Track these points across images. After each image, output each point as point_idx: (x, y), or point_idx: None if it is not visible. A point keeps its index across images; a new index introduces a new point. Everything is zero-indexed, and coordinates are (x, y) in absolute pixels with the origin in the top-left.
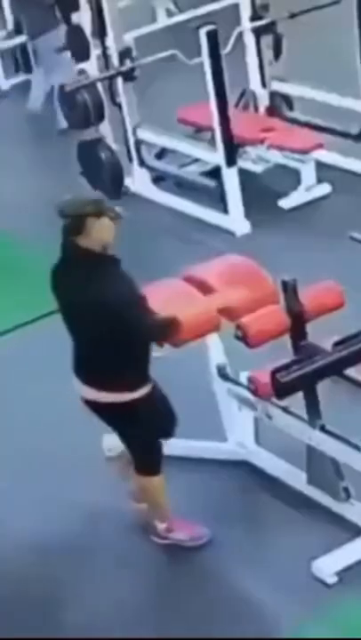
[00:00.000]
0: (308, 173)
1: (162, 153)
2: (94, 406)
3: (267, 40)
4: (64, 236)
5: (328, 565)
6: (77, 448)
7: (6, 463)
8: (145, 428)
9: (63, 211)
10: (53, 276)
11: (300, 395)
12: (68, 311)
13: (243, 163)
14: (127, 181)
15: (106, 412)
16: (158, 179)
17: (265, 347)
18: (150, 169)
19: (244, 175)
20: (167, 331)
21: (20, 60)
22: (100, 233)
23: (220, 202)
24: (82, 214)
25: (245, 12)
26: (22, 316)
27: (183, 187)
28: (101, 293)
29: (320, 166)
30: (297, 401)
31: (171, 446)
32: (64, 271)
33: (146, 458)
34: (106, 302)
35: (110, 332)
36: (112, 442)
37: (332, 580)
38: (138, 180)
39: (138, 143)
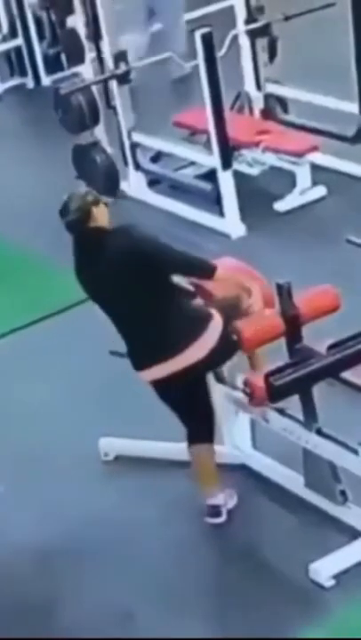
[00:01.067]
0: (303, 176)
1: (157, 156)
2: (170, 381)
3: (262, 42)
4: (75, 229)
5: (325, 569)
6: (74, 452)
7: (3, 467)
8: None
9: (67, 208)
10: (79, 272)
11: (296, 398)
12: (107, 289)
13: (238, 165)
14: (123, 185)
15: (183, 382)
16: (154, 182)
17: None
18: (146, 172)
19: (240, 178)
20: (204, 264)
21: (15, 64)
22: (103, 217)
23: (215, 205)
24: (86, 205)
25: (240, 15)
26: (19, 318)
27: (179, 190)
28: (127, 243)
29: (315, 169)
30: (294, 404)
31: (167, 450)
32: (87, 257)
33: (212, 419)
34: (135, 244)
35: (153, 278)
36: (109, 446)
37: (329, 583)
38: (133, 184)
39: (133, 146)
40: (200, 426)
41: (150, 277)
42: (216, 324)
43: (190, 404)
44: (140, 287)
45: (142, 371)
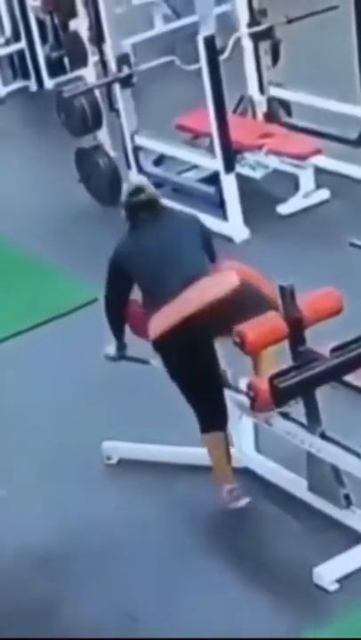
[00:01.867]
0: (306, 179)
1: (160, 159)
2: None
3: (265, 45)
4: (152, 206)
5: (329, 572)
6: (77, 455)
7: (6, 470)
8: None
9: (141, 189)
10: (137, 242)
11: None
12: (172, 250)
13: (241, 169)
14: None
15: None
16: (156, 185)
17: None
18: (148, 175)
19: (243, 181)
20: None
21: (18, 67)
22: None
23: (218, 208)
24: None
25: (243, 18)
26: (22, 321)
27: (181, 193)
28: (188, 216)
29: (319, 172)
30: (297, 408)
31: (170, 454)
32: (151, 231)
33: (225, 403)
34: (194, 218)
35: (203, 243)
36: (112, 449)
37: (332, 587)
38: None
39: (136, 150)
40: (215, 408)
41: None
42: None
43: (205, 375)
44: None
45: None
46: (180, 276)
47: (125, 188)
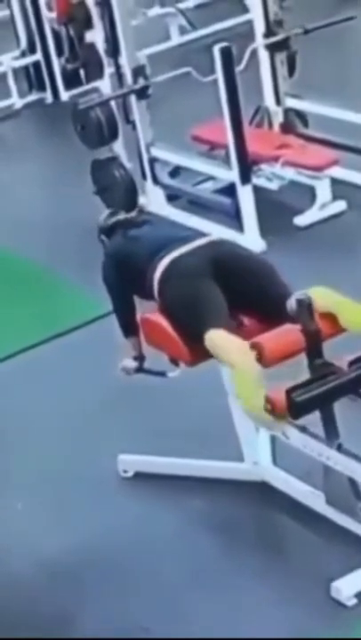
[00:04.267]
0: (323, 190)
1: (176, 171)
2: None
3: (281, 56)
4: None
5: (347, 587)
6: (93, 469)
7: (21, 485)
8: None
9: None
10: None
11: (317, 414)
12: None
13: (257, 180)
14: (141, 200)
15: None
16: (172, 197)
17: (281, 365)
18: (164, 187)
19: (259, 193)
20: None
21: (34, 79)
22: None
23: (234, 220)
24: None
25: (259, 29)
26: (32, 335)
27: (197, 205)
28: None
29: (335, 183)
30: (315, 421)
31: (187, 467)
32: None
33: None
34: None
35: None
36: (128, 462)
37: (350, 602)
38: (152, 199)
39: (152, 161)
40: None
41: None
42: None
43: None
44: None
45: None
46: (176, 241)
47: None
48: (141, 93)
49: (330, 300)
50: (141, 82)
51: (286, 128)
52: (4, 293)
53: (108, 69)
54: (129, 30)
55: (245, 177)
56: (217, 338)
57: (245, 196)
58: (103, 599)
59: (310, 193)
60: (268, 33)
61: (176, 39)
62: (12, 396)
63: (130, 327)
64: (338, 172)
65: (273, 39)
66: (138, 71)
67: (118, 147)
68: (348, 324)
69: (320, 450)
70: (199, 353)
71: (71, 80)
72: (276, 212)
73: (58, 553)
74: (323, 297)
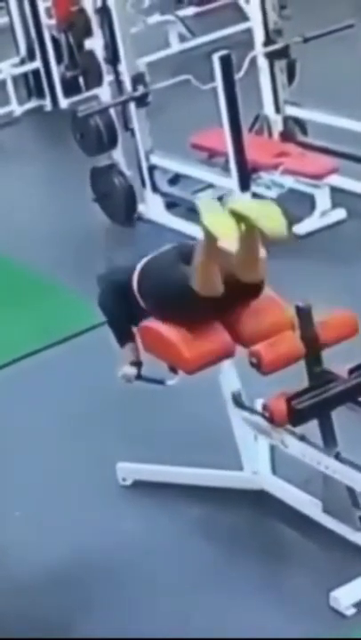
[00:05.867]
0: (322, 199)
1: (175, 178)
2: None
3: (280, 64)
4: None
5: (345, 597)
6: (92, 477)
7: (20, 492)
8: None
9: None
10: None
11: (315, 423)
12: None
13: (257, 188)
14: (140, 207)
15: None
16: (172, 204)
17: (279, 373)
18: (163, 195)
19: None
20: None
21: (33, 86)
22: None
23: None
24: None
25: (259, 37)
26: (31, 342)
27: (197, 212)
28: None
29: (335, 191)
30: (313, 429)
31: (186, 475)
32: None
33: None
34: None
35: None
36: (126, 471)
37: (349, 611)
38: (151, 206)
39: (151, 169)
40: None
41: None
42: None
43: None
44: None
45: None
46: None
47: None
48: (141, 101)
49: (247, 207)
50: (141, 89)
51: (286, 136)
52: (4, 300)
53: (108, 77)
54: (128, 38)
55: (245, 185)
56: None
57: None
58: (103, 608)
59: (310, 201)
60: (268, 41)
61: (176, 47)
62: (12, 403)
63: (125, 336)
64: (337, 180)
65: (272, 47)
66: (137, 79)
67: (117, 154)
68: (266, 231)
69: (319, 458)
70: (198, 361)
71: (70, 87)
72: None
73: (55, 561)
74: (241, 206)
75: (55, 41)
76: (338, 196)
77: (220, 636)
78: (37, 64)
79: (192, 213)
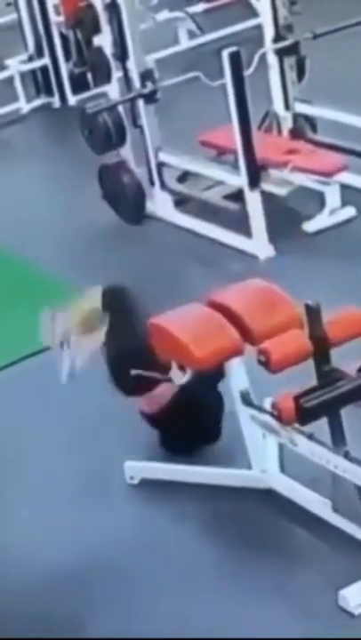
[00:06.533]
0: (332, 196)
1: (184, 176)
2: None
3: (290, 61)
4: None
5: (354, 595)
6: (99, 476)
7: (28, 493)
8: None
9: None
10: None
11: (324, 421)
12: None
13: (266, 186)
14: (149, 205)
15: None
16: (180, 202)
17: (288, 372)
18: (172, 192)
19: (268, 198)
20: None
21: (41, 83)
22: None
23: (243, 225)
24: None
25: (268, 33)
26: (38, 342)
27: (206, 210)
28: None
29: (345, 189)
30: (322, 428)
31: (193, 473)
32: None
33: None
34: None
35: None
36: (134, 469)
37: (358, 610)
38: (160, 204)
39: (160, 166)
40: None
41: None
42: None
43: None
44: None
45: None
46: None
47: None
48: (149, 98)
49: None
50: (149, 86)
51: (295, 133)
52: (10, 298)
53: (116, 73)
54: (137, 34)
55: (254, 182)
56: None
57: (254, 202)
58: (107, 607)
59: (319, 199)
60: (278, 37)
61: (185, 43)
62: (19, 401)
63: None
64: (347, 177)
65: (282, 44)
66: (146, 75)
67: (126, 151)
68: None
69: (328, 457)
70: (207, 359)
71: (79, 84)
72: (285, 217)
73: (63, 559)
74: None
75: (63, 37)
76: (348, 193)
77: (225, 637)
78: (45, 61)
79: (201, 211)
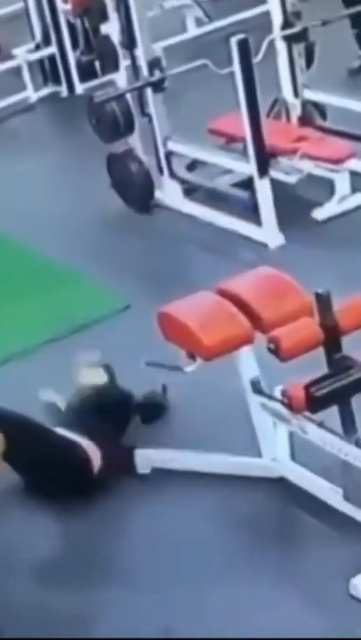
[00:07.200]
0: (342, 183)
1: (193, 164)
2: None
3: (298, 48)
4: None
5: None
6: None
7: None
8: None
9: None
10: None
11: (335, 409)
12: None
13: (275, 173)
14: (158, 194)
15: None
16: (189, 190)
17: (298, 360)
18: (181, 181)
19: (277, 186)
20: None
21: (49, 72)
22: None
23: (252, 213)
24: None
25: (277, 20)
26: (49, 331)
27: (215, 198)
28: None
29: (354, 176)
30: (332, 415)
31: (204, 462)
32: None
33: None
34: None
35: None
36: (145, 457)
37: None
38: (169, 193)
39: (168, 155)
40: None
41: None
42: None
43: None
44: None
45: None
46: None
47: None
48: (157, 86)
49: None
50: (157, 74)
51: (304, 120)
52: (20, 287)
53: (124, 62)
54: (145, 22)
55: (263, 170)
56: None
57: (263, 190)
58: (125, 598)
59: (329, 186)
60: (286, 24)
61: (193, 31)
62: (30, 390)
63: None
64: (357, 164)
65: (291, 30)
66: (154, 63)
67: (134, 140)
68: None
69: (338, 445)
70: (217, 348)
71: (86, 73)
72: (295, 205)
73: (72, 551)
74: None
75: (71, 26)
76: (357, 180)
77: (237, 628)
78: (53, 49)
79: (210, 199)
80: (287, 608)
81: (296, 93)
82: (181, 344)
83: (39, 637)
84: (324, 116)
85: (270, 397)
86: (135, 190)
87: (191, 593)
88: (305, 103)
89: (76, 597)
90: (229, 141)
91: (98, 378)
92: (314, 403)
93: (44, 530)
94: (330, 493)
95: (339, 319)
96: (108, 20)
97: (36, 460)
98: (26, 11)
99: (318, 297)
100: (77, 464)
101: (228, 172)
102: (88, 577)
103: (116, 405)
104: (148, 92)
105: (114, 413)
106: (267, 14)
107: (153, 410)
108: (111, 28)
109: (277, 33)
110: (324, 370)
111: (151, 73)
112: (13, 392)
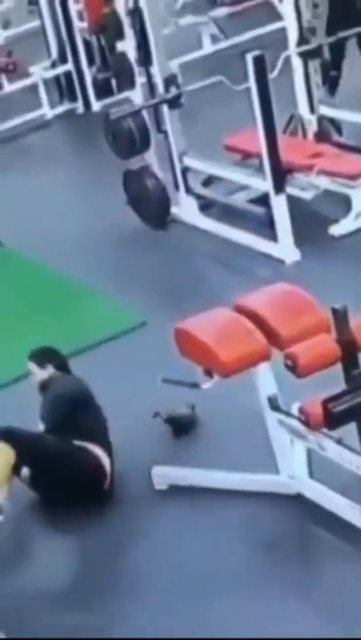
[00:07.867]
0: (358, 199)
1: (209, 180)
2: None
3: (314, 64)
4: None
5: None
6: (128, 481)
7: None
8: None
9: None
10: None
11: (353, 426)
12: None
13: (291, 189)
14: (174, 209)
15: None
16: (205, 206)
17: (316, 376)
18: (197, 197)
19: (293, 202)
20: None
21: (65, 89)
22: None
23: (268, 229)
24: None
25: (292, 37)
26: (66, 347)
27: (231, 214)
28: None
29: None
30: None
31: (220, 479)
32: None
33: None
34: None
35: None
36: (162, 475)
37: None
38: (185, 208)
39: (184, 171)
40: None
41: None
42: None
43: None
44: None
45: None
46: None
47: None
48: (173, 103)
49: None
50: (173, 91)
51: (321, 136)
52: (36, 304)
53: (140, 79)
54: (160, 39)
55: (279, 186)
56: None
57: (279, 206)
58: (136, 613)
59: (345, 202)
60: (302, 41)
61: (208, 48)
62: None
63: None
64: None
65: (306, 47)
66: (170, 80)
67: (150, 156)
68: None
69: (357, 462)
70: (234, 364)
71: (102, 90)
72: (311, 221)
73: (91, 564)
74: None
75: (87, 43)
76: None
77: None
78: (69, 67)
79: (226, 215)
80: (304, 622)
81: (312, 109)
82: (198, 360)
83: (39, 637)
84: (340, 131)
85: (288, 414)
86: (151, 206)
87: (209, 610)
88: (321, 119)
89: (93, 608)
90: (245, 157)
91: None
92: (332, 419)
93: (61, 546)
94: (348, 510)
95: (356, 335)
96: (123, 37)
97: (51, 471)
98: (42, 28)
99: (335, 313)
100: (90, 470)
101: (245, 188)
102: (105, 590)
103: None
104: (164, 108)
105: None
106: (282, 31)
107: (183, 424)
108: (127, 46)
109: (293, 49)
110: (341, 386)
111: (167, 90)
112: (28, 409)
